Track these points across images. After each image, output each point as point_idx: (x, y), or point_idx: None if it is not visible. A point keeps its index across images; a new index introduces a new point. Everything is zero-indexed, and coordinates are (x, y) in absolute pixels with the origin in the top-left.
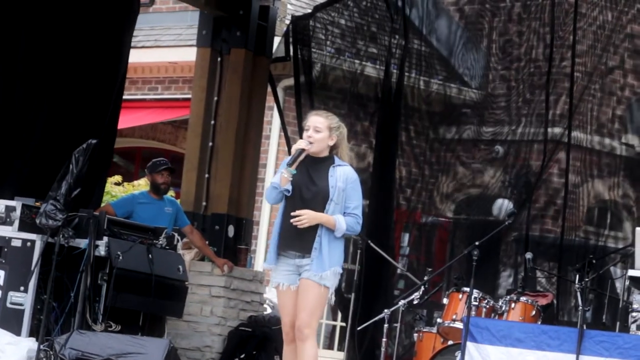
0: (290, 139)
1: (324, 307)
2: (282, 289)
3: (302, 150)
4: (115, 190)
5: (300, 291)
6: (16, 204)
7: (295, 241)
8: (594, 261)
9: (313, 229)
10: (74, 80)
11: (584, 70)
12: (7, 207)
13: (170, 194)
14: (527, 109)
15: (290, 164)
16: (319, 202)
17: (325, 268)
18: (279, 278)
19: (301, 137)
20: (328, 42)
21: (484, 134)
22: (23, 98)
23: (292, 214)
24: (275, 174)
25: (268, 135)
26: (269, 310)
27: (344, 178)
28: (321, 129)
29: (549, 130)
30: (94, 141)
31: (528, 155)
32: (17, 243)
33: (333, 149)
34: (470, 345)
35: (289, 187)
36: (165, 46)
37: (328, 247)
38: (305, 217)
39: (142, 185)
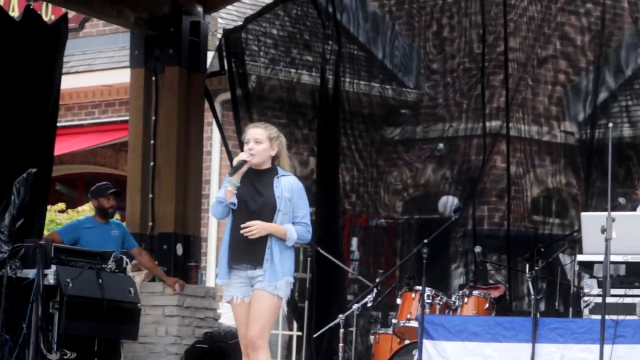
0: (232, 152)
1: (276, 317)
2: (237, 302)
3: (244, 161)
4: (60, 217)
5: (253, 302)
6: None
7: (246, 253)
8: (542, 249)
9: (263, 240)
10: (4, 111)
11: (518, 62)
12: None
13: (116, 217)
14: (465, 104)
15: (231, 174)
16: (267, 213)
17: (278, 278)
18: (232, 291)
19: (242, 151)
20: (262, 53)
21: (424, 133)
22: None
23: (242, 225)
24: (219, 189)
25: (209, 151)
26: (224, 325)
27: (288, 188)
28: (261, 140)
29: (488, 124)
30: (33, 170)
31: (469, 150)
32: None
33: (275, 159)
34: (427, 343)
35: (234, 200)
36: (98, 70)
37: (279, 257)
38: (255, 227)
39: (86, 210)
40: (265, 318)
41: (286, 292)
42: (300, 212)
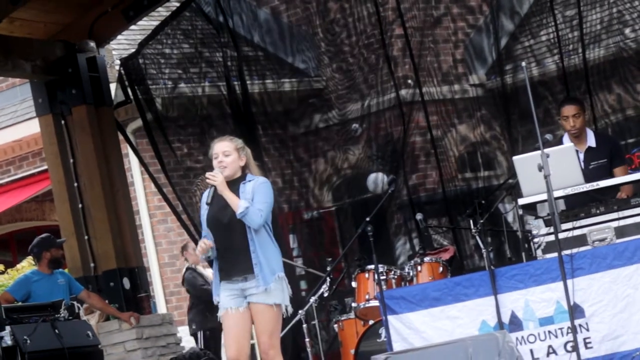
0: (156, 178)
1: (280, 324)
2: (231, 312)
3: (214, 186)
4: (1, 279)
5: (255, 317)
6: None
7: (234, 266)
8: (483, 202)
9: (246, 248)
10: None
11: (414, 27)
12: None
13: None
14: (372, 79)
15: (208, 203)
16: (238, 221)
17: (270, 280)
18: (225, 303)
19: (166, 174)
20: (162, 74)
21: (338, 117)
22: None
23: (207, 174)
24: (187, 214)
25: (132, 182)
26: (188, 348)
27: (252, 188)
28: (229, 152)
29: (400, 92)
30: None
31: (386, 124)
32: None
33: (245, 168)
34: (391, 319)
35: (210, 253)
36: (4, 127)
37: (265, 257)
38: (218, 180)
39: (25, 267)
40: (269, 329)
41: (282, 295)
42: (256, 198)
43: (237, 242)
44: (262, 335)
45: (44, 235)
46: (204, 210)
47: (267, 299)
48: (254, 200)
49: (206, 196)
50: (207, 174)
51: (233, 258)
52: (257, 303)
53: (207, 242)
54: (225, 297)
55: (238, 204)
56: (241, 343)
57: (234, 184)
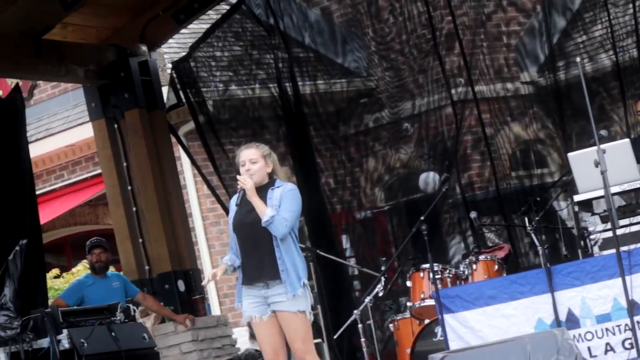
0: (209, 180)
1: (310, 327)
2: (255, 321)
3: (243, 190)
4: (57, 283)
5: (283, 325)
6: None
7: (258, 272)
8: (537, 199)
9: (271, 254)
10: None
11: (465, 25)
12: None
13: (112, 269)
14: (423, 78)
15: (238, 203)
16: (261, 227)
17: (297, 287)
18: (249, 312)
19: (219, 176)
20: (213, 77)
21: (389, 117)
22: None
23: (238, 177)
24: (229, 211)
25: (184, 185)
26: (243, 349)
27: (280, 194)
28: (256, 159)
29: (452, 91)
30: (24, 241)
31: (437, 122)
32: None
33: (272, 174)
34: (447, 317)
35: (229, 270)
36: (57, 132)
37: (292, 263)
38: (247, 185)
39: (81, 270)
40: (301, 335)
41: (306, 302)
42: (282, 207)
43: (263, 248)
44: (295, 343)
45: (88, 240)
46: (232, 213)
47: (291, 307)
48: (281, 208)
49: (236, 198)
50: (238, 177)
51: (258, 263)
52: (282, 311)
53: (216, 272)
54: (249, 304)
55: (264, 212)
56: (276, 346)
57: (262, 190)
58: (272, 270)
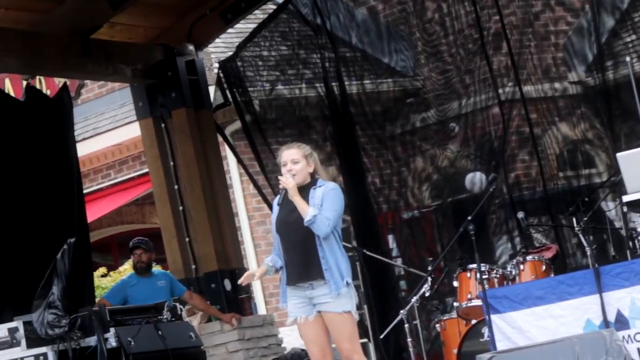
0: (255, 179)
1: (356, 327)
2: (300, 321)
3: (285, 190)
4: (104, 282)
5: (329, 325)
6: (17, 324)
7: (303, 272)
8: (585, 199)
9: (314, 254)
10: (35, 194)
11: (512, 25)
12: (9, 329)
13: (159, 267)
14: (470, 78)
15: (280, 203)
16: (303, 226)
17: (340, 285)
18: (294, 312)
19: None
20: (260, 77)
21: (435, 117)
22: None
23: (279, 178)
24: (273, 211)
25: (230, 184)
26: (289, 348)
27: (322, 193)
28: (298, 159)
29: (499, 91)
30: (72, 240)
31: (484, 122)
32: None
33: (314, 174)
34: (494, 318)
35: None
36: (104, 131)
37: (336, 262)
38: (289, 184)
39: (127, 269)
40: (348, 335)
41: (351, 302)
42: (324, 206)
43: (306, 247)
44: (342, 343)
45: (131, 240)
46: (275, 213)
47: (337, 307)
48: (323, 207)
49: (278, 199)
50: (280, 178)
51: (301, 263)
52: (328, 312)
53: (254, 273)
54: (293, 304)
55: (307, 211)
56: (323, 346)
57: (303, 190)
58: (316, 269)
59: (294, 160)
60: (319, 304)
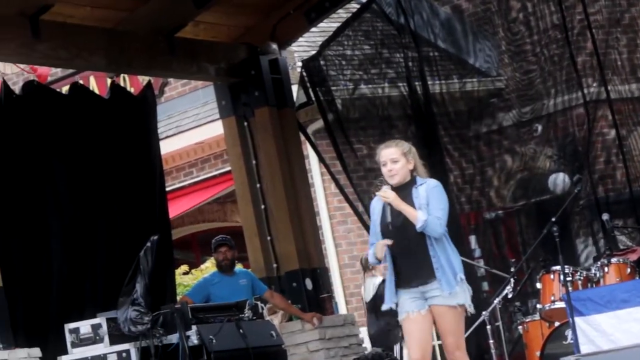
0: (337, 179)
1: (464, 324)
2: (413, 316)
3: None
4: (186, 279)
5: (438, 318)
6: (100, 320)
7: (413, 273)
8: None
9: (425, 253)
10: (118, 191)
11: (598, 24)
12: (92, 325)
13: (240, 265)
14: (555, 78)
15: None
16: (411, 226)
17: (453, 284)
18: (406, 307)
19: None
20: (343, 76)
21: (519, 117)
22: (77, 222)
23: (378, 193)
24: (368, 215)
25: (312, 183)
26: (370, 349)
27: (425, 193)
28: (397, 158)
29: (584, 91)
30: (155, 237)
31: (568, 123)
32: (113, 358)
33: (413, 171)
34: (578, 320)
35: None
36: (187, 129)
37: (446, 261)
38: (389, 196)
39: (209, 267)
40: (455, 330)
41: (464, 295)
42: (432, 206)
43: (415, 248)
44: (448, 336)
45: (215, 237)
46: (378, 218)
47: (450, 301)
48: (430, 206)
49: (378, 211)
50: (378, 194)
51: (412, 264)
52: (439, 305)
53: (386, 241)
54: (405, 300)
55: (417, 218)
56: (424, 346)
57: (405, 189)
58: (428, 270)
59: (393, 160)
60: (431, 297)
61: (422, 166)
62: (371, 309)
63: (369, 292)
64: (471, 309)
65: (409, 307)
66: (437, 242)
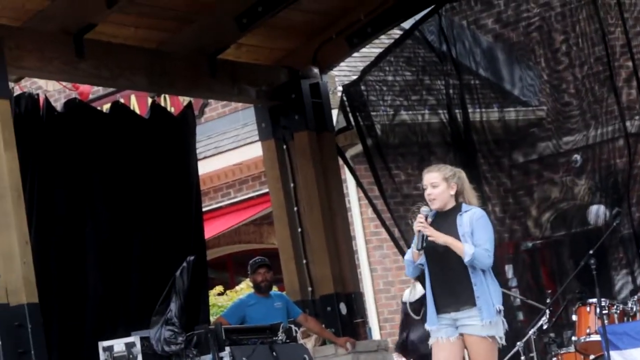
0: (375, 204)
1: (497, 355)
2: (442, 342)
3: (420, 231)
4: (220, 300)
5: (470, 348)
6: (134, 339)
7: (450, 298)
8: None
9: (466, 281)
10: (155, 210)
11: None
12: (126, 344)
13: (275, 288)
14: (596, 110)
15: (419, 249)
16: (454, 253)
17: (493, 313)
18: (436, 332)
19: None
20: (383, 101)
21: (558, 147)
22: (113, 239)
23: (415, 225)
24: (404, 241)
25: (349, 207)
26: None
27: (469, 221)
28: (437, 183)
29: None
30: (192, 257)
31: (609, 155)
32: None
33: (458, 196)
34: (614, 354)
35: (422, 261)
36: (226, 150)
37: (487, 290)
38: (432, 233)
39: (244, 289)
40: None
41: (497, 327)
42: (479, 237)
43: (456, 274)
44: None
45: (253, 259)
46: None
47: (482, 331)
48: (475, 237)
49: (417, 243)
50: (415, 226)
51: (452, 291)
52: (472, 335)
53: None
54: (437, 325)
55: (464, 251)
56: None
57: (449, 216)
58: (468, 297)
59: (433, 184)
60: (463, 326)
61: (472, 192)
62: (417, 311)
63: (418, 292)
64: (502, 341)
65: (439, 333)
66: (479, 269)
